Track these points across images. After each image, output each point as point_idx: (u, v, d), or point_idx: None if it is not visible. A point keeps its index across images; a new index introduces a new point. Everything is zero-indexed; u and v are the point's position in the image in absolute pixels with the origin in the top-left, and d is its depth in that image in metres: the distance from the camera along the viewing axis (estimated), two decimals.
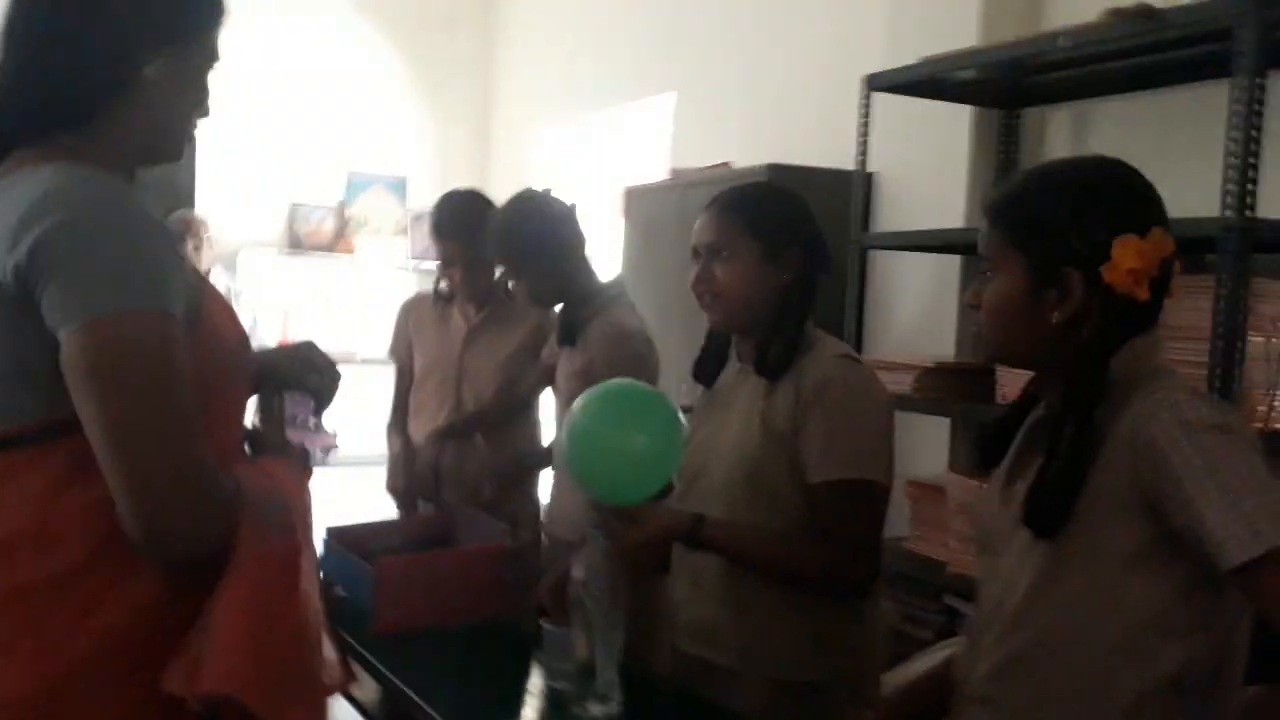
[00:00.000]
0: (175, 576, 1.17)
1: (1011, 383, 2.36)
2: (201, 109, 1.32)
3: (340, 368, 1.58)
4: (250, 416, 1.54)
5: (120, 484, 1.09)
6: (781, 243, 1.78)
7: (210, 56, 1.30)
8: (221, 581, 1.15)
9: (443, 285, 2.91)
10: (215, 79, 1.33)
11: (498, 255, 2.52)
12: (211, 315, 1.26)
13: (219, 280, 4.62)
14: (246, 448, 1.40)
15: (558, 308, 2.52)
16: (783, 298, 1.78)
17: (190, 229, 4.50)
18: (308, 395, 1.56)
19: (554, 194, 2.52)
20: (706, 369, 1.92)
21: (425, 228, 5.52)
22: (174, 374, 1.12)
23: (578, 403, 1.74)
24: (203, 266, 4.57)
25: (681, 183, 3.46)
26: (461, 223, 2.75)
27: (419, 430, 2.84)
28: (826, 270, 1.82)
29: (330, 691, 1.30)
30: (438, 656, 1.93)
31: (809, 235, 1.80)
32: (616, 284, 2.53)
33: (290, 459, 1.40)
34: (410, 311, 3.01)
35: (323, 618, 1.31)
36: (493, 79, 5.78)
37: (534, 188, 2.58)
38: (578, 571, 1.71)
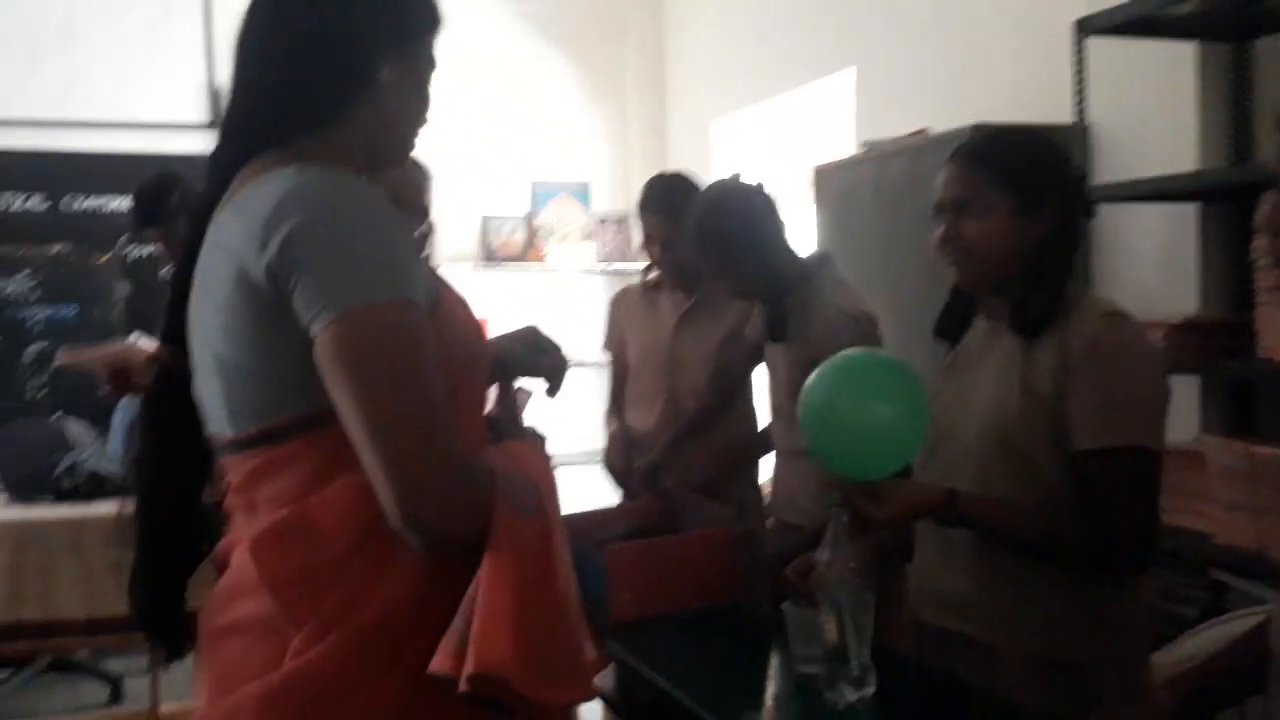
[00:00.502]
0: (437, 564, 1.17)
1: (1274, 333, 2.16)
2: (424, 114, 1.33)
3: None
4: (489, 405, 1.54)
5: (380, 471, 1.10)
6: (1036, 192, 1.65)
7: (431, 62, 1.32)
8: (482, 565, 1.14)
9: (651, 275, 2.89)
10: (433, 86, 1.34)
11: (697, 254, 2.42)
12: (449, 306, 1.26)
13: None
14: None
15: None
16: (1041, 251, 1.66)
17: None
18: (538, 380, 1.56)
19: (744, 179, 2.45)
20: (950, 326, 1.81)
21: (610, 231, 5.64)
22: (425, 361, 1.13)
23: (813, 375, 1.66)
24: None
25: (874, 155, 3.33)
26: (664, 197, 2.75)
27: (638, 420, 2.83)
28: (1088, 217, 1.69)
29: (594, 671, 1.27)
30: (675, 644, 1.89)
31: (1066, 181, 1.67)
32: (821, 260, 2.44)
33: (531, 442, 1.39)
34: (620, 303, 3.02)
35: (578, 598, 1.28)
36: (665, 77, 5.76)
37: (724, 177, 2.52)
38: (822, 553, 1.63)
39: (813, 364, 2.12)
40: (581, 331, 5.45)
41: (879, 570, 1.65)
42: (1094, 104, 2.69)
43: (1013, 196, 1.64)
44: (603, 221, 5.57)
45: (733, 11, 5.10)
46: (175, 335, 1.28)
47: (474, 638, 1.10)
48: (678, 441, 2.67)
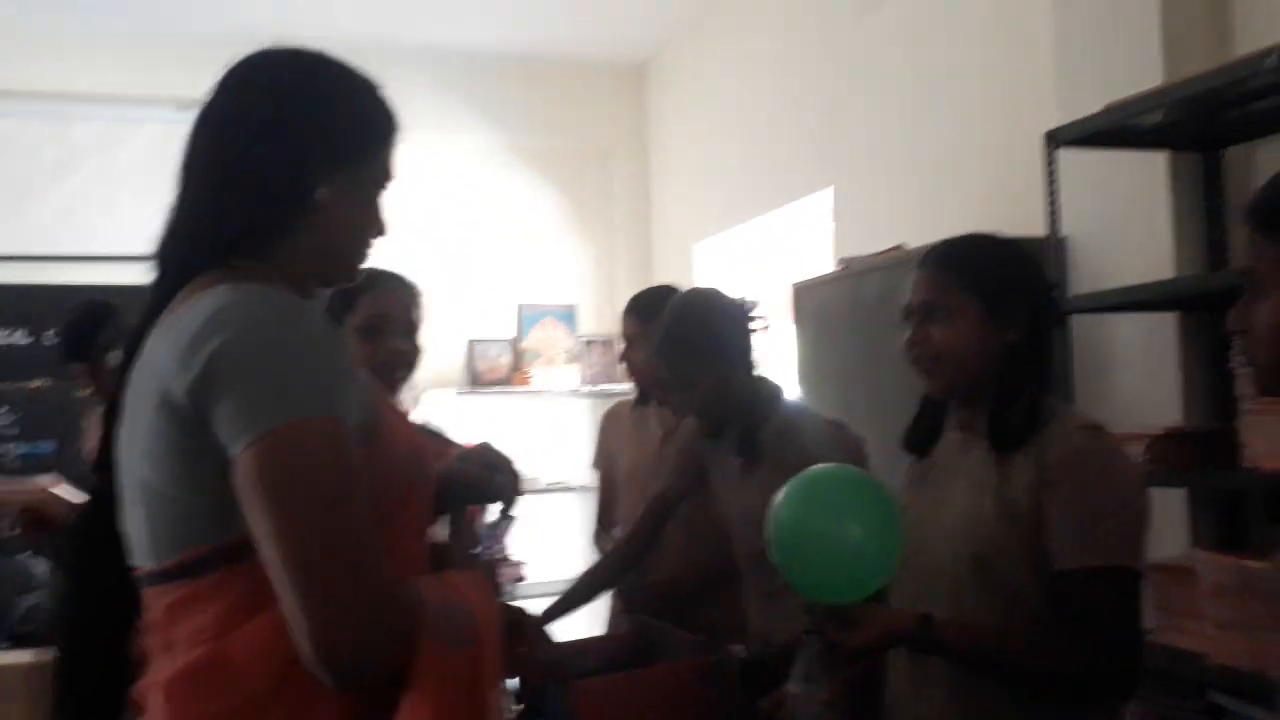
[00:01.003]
0: (362, 706, 1.09)
1: (1259, 442, 2.10)
2: (375, 228, 1.30)
3: (525, 497, 1.53)
4: (439, 531, 1.48)
5: (293, 603, 1.03)
6: (1005, 298, 1.61)
7: (383, 175, 1.29)
8: (402, 703, 1.07)
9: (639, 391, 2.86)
10: (390, 199, 1.31)
11: (656, 360, 2.29)
12: (389, 428, 1.21)
13: (418, 423, 4.73)
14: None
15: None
16: (1010, 359, 1.61)
17: None
18: (491, 502, 1.50)
19: (723, 290, 2.40)
20: (920, 437, 1.75)
21: (596, 353, 5.63)
22: (345, 484, 1.07)
23: (781, 492, 1.60)
24: (403, 409, 4.67)
25: (852, 272, 3.32)
26: (644, 300, 2.72)
27: None
28: (1058, 324, 1.65)
29: None
30: None
31: (1036, 287, 1.64)
32: (773, 384, 2.37)
33: (478, 571, 1.32)
34: (610, 421, 2.99)
35: None
36: (650, 201, 5.83)
37: (701, 286, 2.48)
38: (795, 684, 1.55)
39: None
40: (567, 454, 5.41)
41: (853, 701, 1.56)
42: (1068, 215, 2.68)
43: (981, 301, 1.60)
44: (588, 343, 5.56)
45: (715, 138, 5.19)
46: (106, 463, 1.23)
47: None
48: (592, 586, 2.54)
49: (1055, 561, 1.51)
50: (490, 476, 1.49)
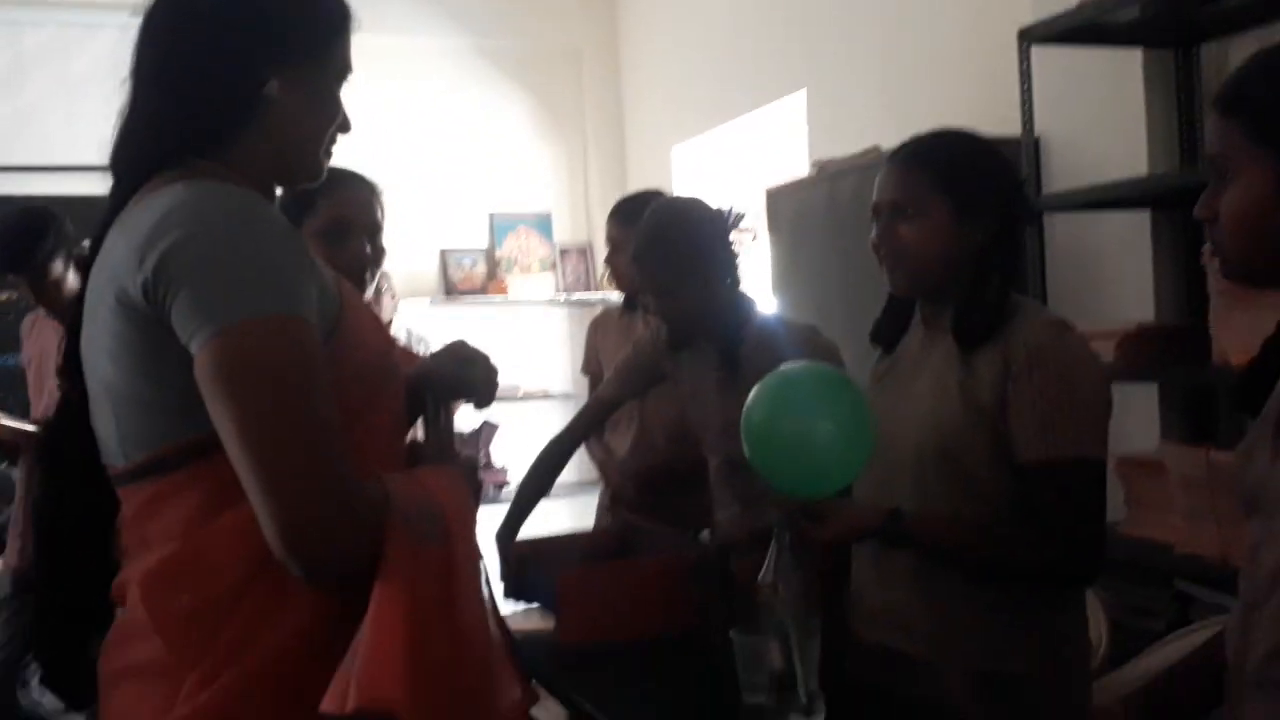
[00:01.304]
0: (336, 598, 1.11)
1: (1228, 337, 2.12)
2: (337, 123, 1.28)
3: (505, 405, 1.51)
4: (416, 429, 1.47)
5: (258, 495, 1.04)
6: (974, 196, 1.60)
7: (340, 69, 1.27)
8: (372, 596, 1.08)
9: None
10: (356, 105, 1.29)
11: (639, 267, 2.24)
12: (353, 323, 1.21)
13: (401, 330, 4.73)
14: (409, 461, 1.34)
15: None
16: (979, 257, 1.61)
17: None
18: (468, 398, 1.48)
19: (704, 201, 2.32)
20: (886, 332, 1.76)
21: (572, 261, 5.60)
22: (310, 378, 1.07)
23: (754, 390, 1.61)
24: (385, 317, 4.67)
25: (827, 174, 3.29)
26: (632, 206, 2.70)
27: (618, 444, 2.80)
28: (1030, 222, 1.65)
29: (516, 713, 1.20)
30: (626, 675, 1.82)
31: (1007, 185, 1.63)
32: (747, 295, 2.35)
33: (452, 469, 1.32)
34: (598, 328, 3.00)
35: (499, 635, 1.21)
36: (623, 105, 5.74)
37: (682, 195, 2.45)
38: (766, 576, 1.57)
39: None
40: (545, 362, 5.42)
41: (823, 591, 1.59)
42: (1043, 114, 2.67)
43: (950, 200, 1.60)
44: (564, 252, 5.53)
45: (687, 39, 5.10)
46: (73, 366, 1.23)
47: (357, 669, 1.04)
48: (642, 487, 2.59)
49: (1019, 454, 1.53)
50: (466, 371, 1.47)
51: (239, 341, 1.05)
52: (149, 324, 1.08)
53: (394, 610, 1.08)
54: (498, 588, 1.60)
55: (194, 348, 1.06)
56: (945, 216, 1.60)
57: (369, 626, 1.07)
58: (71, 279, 3.03)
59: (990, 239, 1.61)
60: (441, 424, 1.46)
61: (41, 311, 3.21)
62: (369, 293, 2.14)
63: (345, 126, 1.29)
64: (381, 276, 4.64)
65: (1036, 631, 1.57)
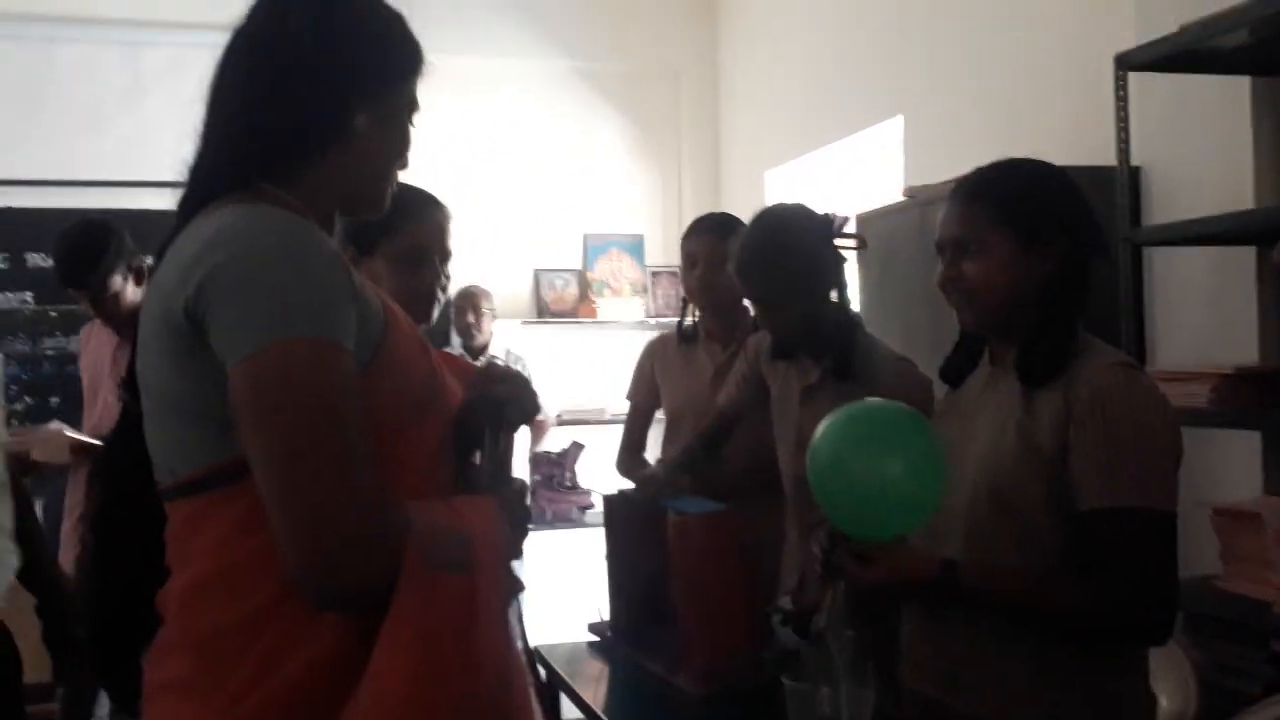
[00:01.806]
0: (363, 622, 1.09)
1: None
2: (402, 159, 1.30)
3: (592, 428, 1.48)
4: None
5: (277, 516, 1.05)
6: (1039, 227, 1.53)
7: (411, 105, 1.29)
8: (382, 626, 1.06)
9: (687, 322, 2.79)
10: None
11: (750, 286, 2.13)
12: (397, 347, 1.20)
13: (501, 349, 4.77)
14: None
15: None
16: (1047, 291, 1.54)
17: (472, 302, 4.68)
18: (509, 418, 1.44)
19: (808, 207, 2.20)
20: (955, 369, 1.69)
21: (663, 284, 5.58)
22: (335, 402, 1.07)
23: (822, 425, 1.56)
24: (483, 337, 4.72)
25: (918, 201, 3.21)
26: (713, 222, 2.66)
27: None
28: (1101, 254, 1.56)
29: None
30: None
31: (1073, 214, 1.55)
32: (854, 313, 2.30)
33: (493, 497, 1.29)
34: (654, 354, 2.91)
35: (525, 671, 1.19)
36: (719, 129, 5.72)
37: (786, 202, 2.32)
38: (819, 621, 1.52)
39: None
40: None
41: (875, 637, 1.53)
42: (1144, 143, 2.56)
43: (1012, 234, 1.53)
44: (655, 275, 5.52)
45: (785, 63, 5.06)
46: (133, 381, 1.25)
47: (361, 700, 1.04)
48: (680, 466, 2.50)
49: (1080, 502, 1.45)
50: (501, 392, 1.44)
51: (270, 363, 1.05)
52: (192, 344, 1.10)
53: (405, 641, 1.07)
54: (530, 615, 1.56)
55: (229, 370, 1.07)
56: (1009, 251, 1.53)
57: (376, 658, 1.06)
58: (131, 292, 3.07)
59: (1058, 271, 1.53)
60: (499, 449, 1.42)
61: (98, 322, 3.23)
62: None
63: (405, 164, 1.31)
64: (482, 296, 4.72)
65: (1092, 693, 1.49)
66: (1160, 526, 1.45)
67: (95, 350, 3.28)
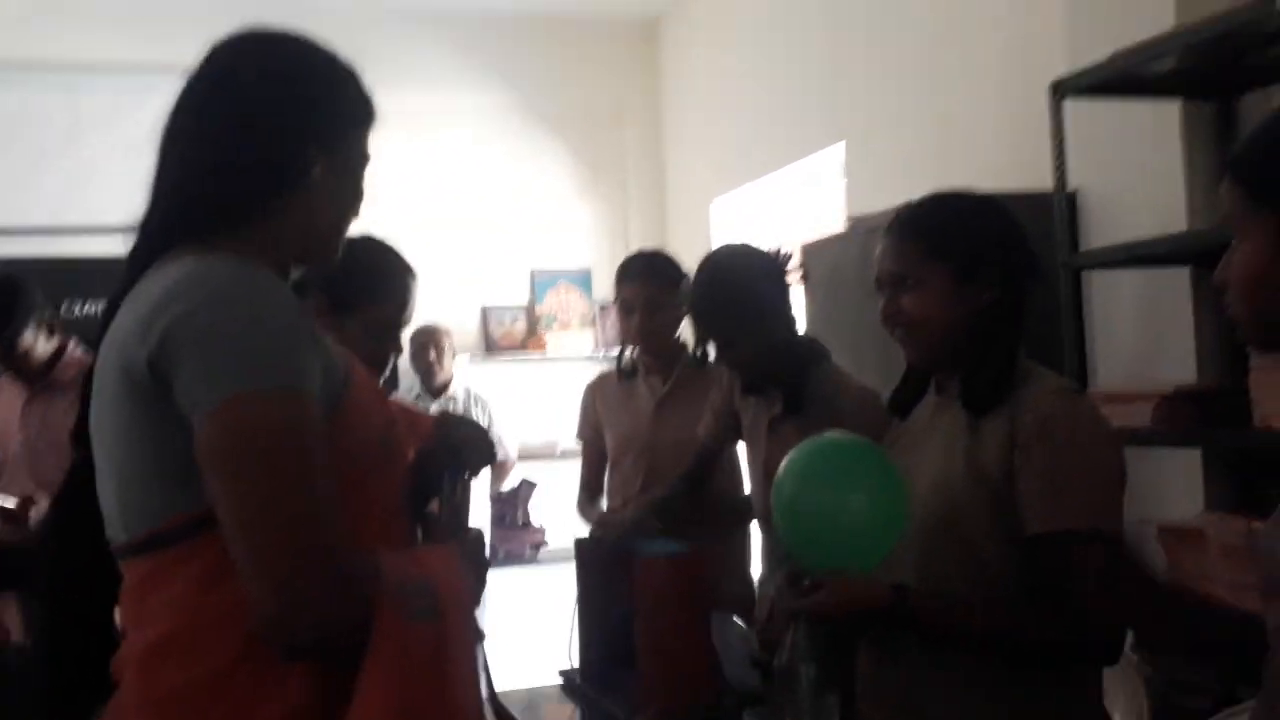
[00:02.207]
0: (329, 676, 1.08)
1: (1268, 400, 2.03)
2: (355, 209, 1.30)
3: (544, 464, 1.49)
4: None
5: (245, 567, 1.04)
6: (975, 261, 1.56)
7: (363, 156, 1.29)
8: (359, 674, 1.06)
9: (626, 356, 2.81)
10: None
11: (702, 326, 2.23)
12: (357, 400, 1.20)
13: (460, 386, 4.72)
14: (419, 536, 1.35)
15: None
16: (985, 321, 1.56)
17: (434, 339, 4.64)
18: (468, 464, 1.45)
19: (753, 246, 2.31)
20: (902, 400, 1.71)
21: (611, 318, 5.58)
22: (302, 452, 1.07)
23: (785, 461, 1.57)
24: (444, 375, 4.68)
25: (861, 230, 3.24)
26: (642, 266, 2.70)
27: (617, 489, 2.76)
28: (1037, 281, 1.59)
29: None
30: None
31: (1007, 244, 1.58)
32: (819, 345, 2.34)
33: (455, 545, 1.30)
34: (595, 391, 2.93)
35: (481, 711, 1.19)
36: (663, 158, 5.76)
37: (732, 243, 2.41)
38: (782, 656, 1.52)
39: None
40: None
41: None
42: (1079, 168, 2.61)
43: (948, 268, 1.55)
44: (604, 308, 5.52)
45: (727, 93, 5.11)
46: (84, 436, 1.23)
47: None
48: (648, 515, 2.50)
49: (1027, 526, 1.47)
50: (467, 432, 1.45)
51: (233, 416, 1.06)
52: (153, 398, 1.09)
53: (381, 691, 1.06)
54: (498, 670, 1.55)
55: (194, 420, 1.07)
56: (946, 285, 1.56)
57: (357, 707, 1.05)
58: (42, 345, 3.03)
59: (995, 301, 1.56)
60: (456, 496, 1.43)
61: (7, 377, 3.16)
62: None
63: (358, 212, 1.32)
64: (442, 335, 4.69)
65: (1047, 714, 1.50)
66: (1107, 547, 1.46)
67: (5, 405, 3.20)
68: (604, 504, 2.83)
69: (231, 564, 1.06)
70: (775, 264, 2.22)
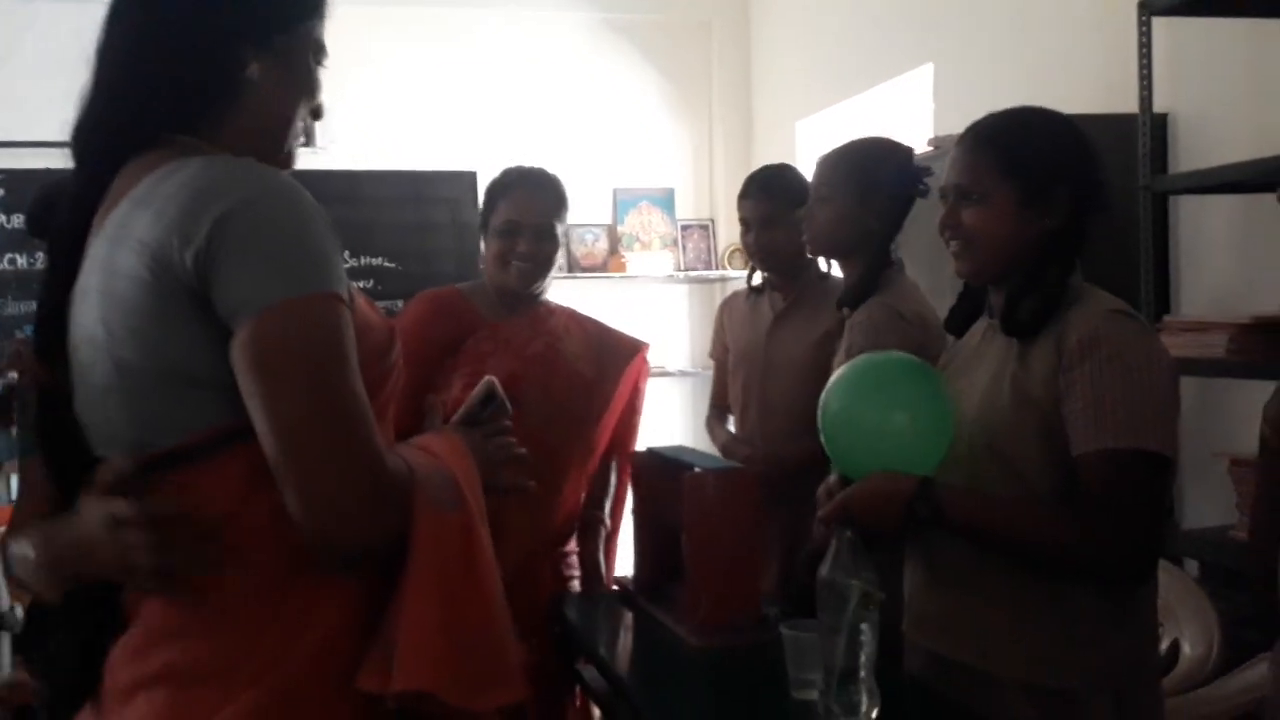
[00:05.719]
0: (371, 583, 1.11)
1: None
2: (310, 104, 1.25)
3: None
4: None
5: (288, 478, 1.02)
6: (1044, 182, 1.52)
7: (316, 51, 1.25)
8: (407, 570, 1.08)
9: (755, 279, 2.82)
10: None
11: (818, 180, 2.30)
12: (360, 304, 1.19)
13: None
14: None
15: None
16: (1041, 247, 1.53)
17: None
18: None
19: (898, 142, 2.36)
20: (958, 320, 1.69)
21: (694, 238, 5.55)
22: (348, 357, 1.06)
23: (832, 379, 1.58)
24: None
25: (942, 151, 3.17)
26: (762, 181, 2.70)
27: (735, 425, 2.79)
28: (1103, 211, 1.55)
29: (523, 669, 1.18)
30: (663, 668, 1.83)
31: (1079, 171, 1.53)
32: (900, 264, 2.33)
33: (444, 432, 1.30)
34: (725, 308, 2.98)
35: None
36: (749, 78, 5.65)
37: (876, 135, 2.42)
38: (824, 569, 1.53)
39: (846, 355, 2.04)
40: (664, 340, 5.40)
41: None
42: (1172, 90, 2.52)
43: (1015, 186, 1.52)
44: (686, 228, 5.50)
45: (815, 11, 4.99)
46: (51, 352, 1.16)
47: (400, 652, 1.05)
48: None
49: (1073, 446, 1.45)
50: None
51: (282, 320, 1.03)
52: (189, 300, 1.05)
53: (429, 585, 1.08)
54: None
55: (237, 324, 1.04)
56: (1010, 203, 1.52)
57: (406, 604, 1.07)
58: None
59: (1056, 228, 1.52)
60: (488, 393, 1.39)
61: None
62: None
63: (317, 113, 1.27)
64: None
65: (1089, 647, 1.49)
66: (1149, 468, 1.43)
67: None
68: (731, 423, 2.85)
69: (264, 478, 1.03)
70: (909, 158, 2.28)
